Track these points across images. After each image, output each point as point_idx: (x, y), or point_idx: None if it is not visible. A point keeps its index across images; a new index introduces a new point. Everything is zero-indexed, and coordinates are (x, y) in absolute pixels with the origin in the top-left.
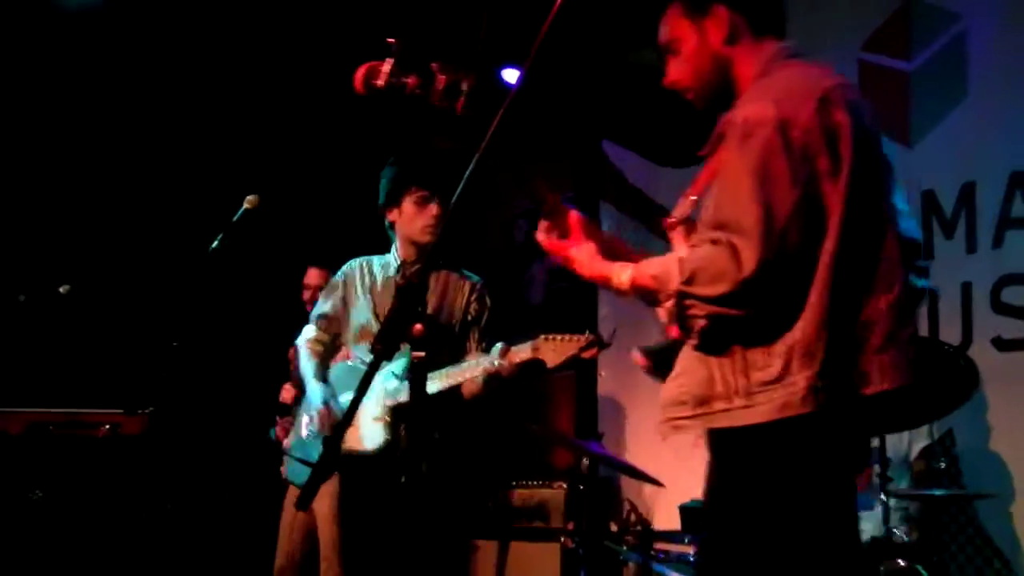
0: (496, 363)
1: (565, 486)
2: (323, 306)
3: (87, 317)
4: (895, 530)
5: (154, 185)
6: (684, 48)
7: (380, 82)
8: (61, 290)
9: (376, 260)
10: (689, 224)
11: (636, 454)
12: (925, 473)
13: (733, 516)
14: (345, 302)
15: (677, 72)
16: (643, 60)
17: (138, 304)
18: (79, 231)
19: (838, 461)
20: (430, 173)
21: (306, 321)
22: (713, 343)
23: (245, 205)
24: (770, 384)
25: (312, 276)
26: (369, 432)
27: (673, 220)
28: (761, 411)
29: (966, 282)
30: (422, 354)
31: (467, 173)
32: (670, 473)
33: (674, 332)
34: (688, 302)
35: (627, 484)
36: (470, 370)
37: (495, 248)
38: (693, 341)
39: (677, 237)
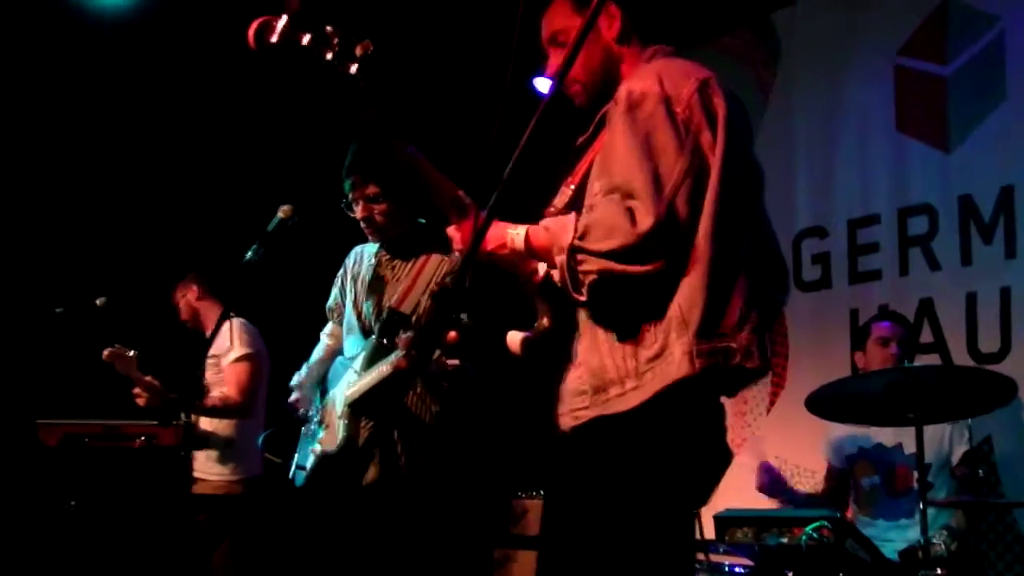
0: (396, 358)
1: None
2: (329, 298)
3: (123, 329)
4: (933, 539)
5: (190, 197)
6: (574, 39)
7: (274, 38)
8: (98, 302)
9: (368, 248)
10: (567, 213)
11: None
12: (969, 479)
13: (604, 503)
14: (343, 292)
15: (563, 62)
16: None
17: (173, 316)
18: (116, 244)
19: (707, 450)
20: (357, 160)
21: None
22: (601, 316)
23: (279, 215)
24: (655, 360)
25: None
26: (334, 431)
27: (553, 209)
28: (648, 388)
29: (1005, 287)
30: (456, 362)
31: (501, 181)
32: None
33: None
34: (580, 256)
35: None
36: (379, 371)
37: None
38: (582, 298)
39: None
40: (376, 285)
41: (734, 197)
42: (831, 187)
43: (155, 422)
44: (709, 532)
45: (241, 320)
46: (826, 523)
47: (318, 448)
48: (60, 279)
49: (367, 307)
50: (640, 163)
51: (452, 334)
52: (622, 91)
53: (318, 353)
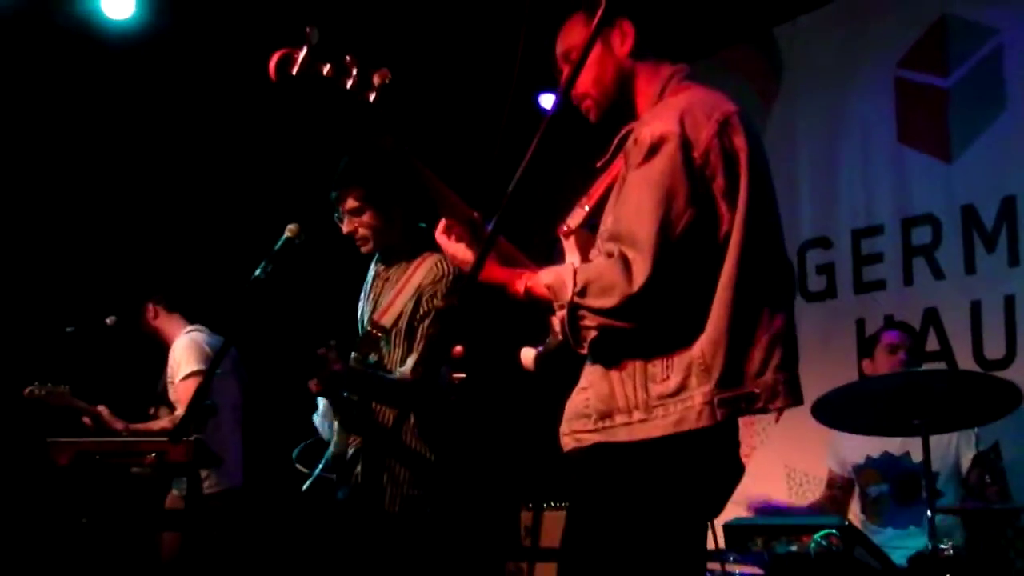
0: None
1: None
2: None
3: (133, 347)
4: (942, 544)
5: (196, 216)
6: (587, 55)
7: (294, 70)
8: (108, 321)
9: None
10: (581, 233)
11: None
12: (980, 484)
13: (611, 531)
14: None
15: (580, 83)
16: None
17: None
18: (125, 264)
19: (721, 475)
20: (338, 174)
21: None
22: (610, 355)
23: (286, 233)
24: (668, 397)
25: None
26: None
27: (567, 229)
28: (658, 425)
29: (1009, 295)
30: (463, 375)
31: (507, 195)
32: None
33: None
34: (580, 312)
35: None
36: None
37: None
38: (584, 351)
39: (569, 245)
40: (373, 296)
41: (757, 238)
42: (835, 198)
43: (165, 438)
44: (720, 541)
45: (193, 335)
46: (835, 531)
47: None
48: (71, 299)
49: (364, 320)
50: (650, 211)
51: (458, 348)
52: (643, 131)
53: None
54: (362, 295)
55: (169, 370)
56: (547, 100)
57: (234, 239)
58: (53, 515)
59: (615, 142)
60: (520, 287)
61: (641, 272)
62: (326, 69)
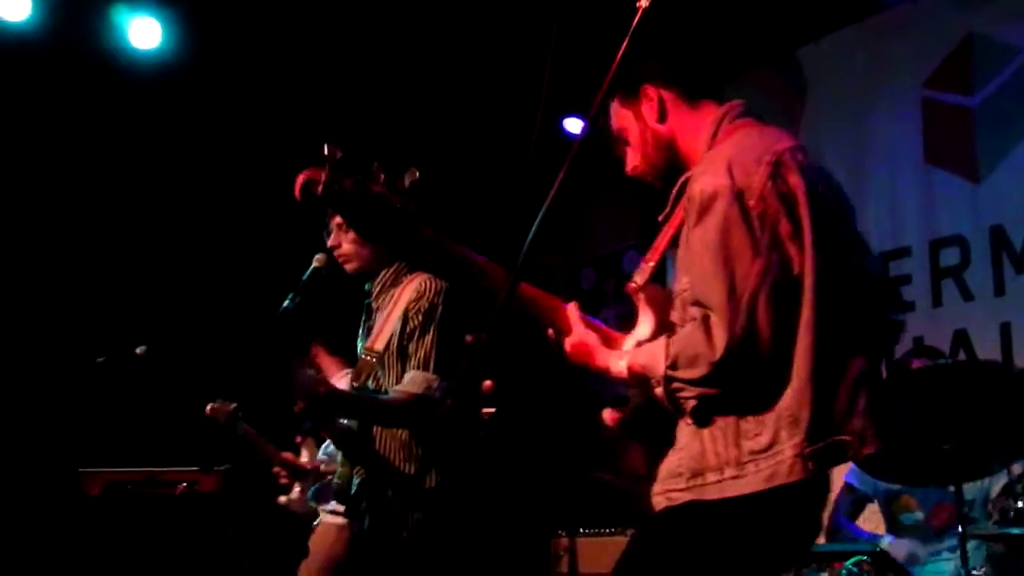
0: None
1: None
2: None
3: (163, 377)
4: (974, 572)
5: (226, 246)
6: (630, 136)
7: (318, 190)
8: (138, 351)
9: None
10: (650, 289)
11: None
12: (1007, 512)
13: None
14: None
15: (632, 160)
16: None
17: (213, 364)
18: (155, 293)
19: (807, 530)
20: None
21: None
22: (703, 415)
23: (314, 264)
24: (760, 453)
25: None
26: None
27: (634, 285)
28: (750, 481)
29: None
30: (492, 410)
31: (535, 224)
32: None
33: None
34: (676, 385)
35: None
36: None
37: (561, 296)
38: (688, 420)
39: (642, 304)
40: (367, 327)
41: (831, 276)
42: (862, 220)
43: (196, 468)
44: None
45: None
46: (866, 558)
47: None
48: (101, 330)
49: (360, 347)
50: (715, 272)
51: (487, 383)
52: (695, 188)
53: None
54: (360, 331)
55: None
56: (573, 125)
57: (260, 268)
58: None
59: (673, 193)
60: (623, 368)
61: (721, 337)
62: (351, 182)
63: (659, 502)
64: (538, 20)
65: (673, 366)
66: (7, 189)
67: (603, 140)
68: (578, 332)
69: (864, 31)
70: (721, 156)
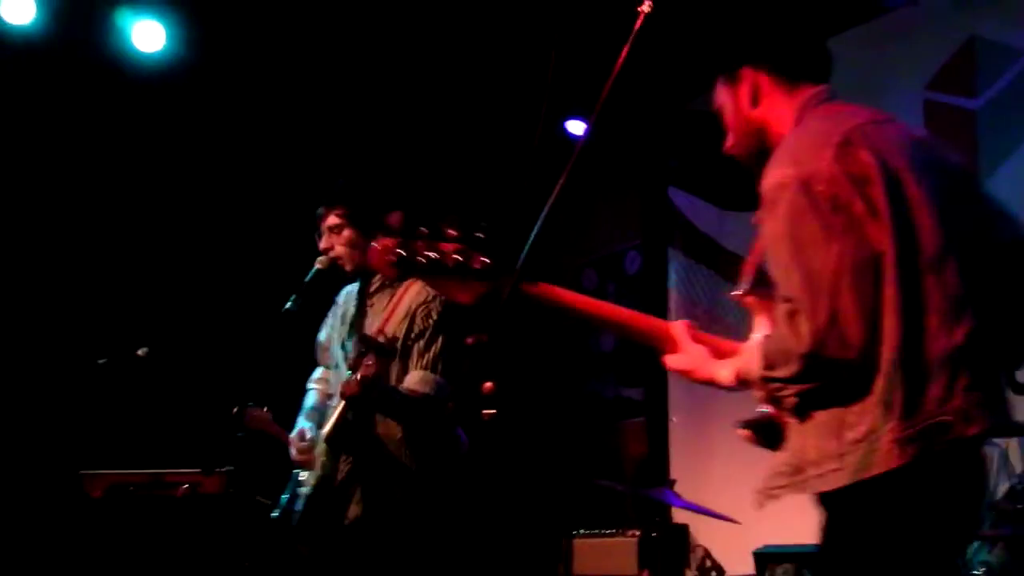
0: (342, 385)
1: (638, 534)
2: (320, 333)
3: (165, 379)
4: (974, 572)
5: (229, 247)
6: (726, 116)
7: (391, 259)
8: (139, 353)
9: (357, 285)
10: (757, 293)
11: (708, 499)
12: (1009, 514)
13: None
14: (332, 329)
15: (728, 139)
16: (706, 106)
17: (214, 365)
18: (157, 295)
19: (940, 514)
20: (335, 194)
21: None
22: (808, 411)
23: (317, 266)
24: (858, 443)
25: None
26: (315, 470)
27: (739, 294)
28: (849, 472)
29: None
30: (493, 412)
31: (537, 225)
32: (742, 518)
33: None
34: (773, 386)
35: (700, 530)
36: (337, 408)
37: None
38: (792, 418)
39: (753, 308)
40: (359, 319)
41: (915, 248)
42: None
43: (198, 470)
44: (749, 568)
45: None
46: None
47: (303, 490)
48: (102, 331)
49: (348, 343)
50: (790, 264)
51: (488, 385)
52: (765, 183)
53: (312, 402)
54: (331, 323)
55: None
56: (575, 127)
57: (262, 270)
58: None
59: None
60: (729, 376)
61: (806, 329)
62: (423, 244)
63: (760, 500)
64: (541, 22)
65: (768, 366)
66: (11, 191)
67: (605, 142)
68: (684, 348)
69: (867, 33)
70: (787, 146)
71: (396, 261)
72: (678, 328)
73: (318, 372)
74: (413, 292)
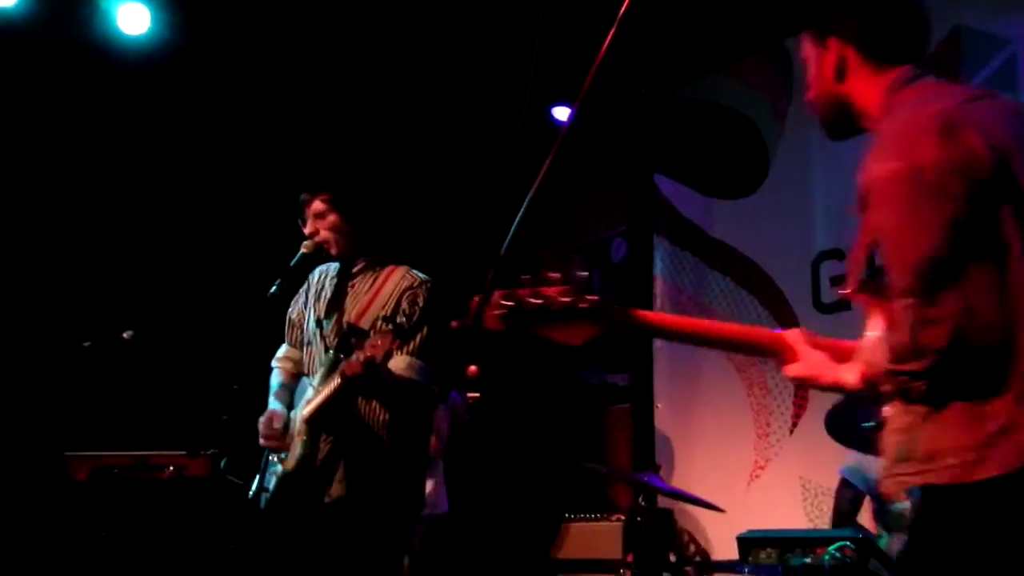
0: (343, 365)
1: (623, 518)
2: (292, 310)
3: (150, 362)
4: None
5: (213, 231)
6: (809, 73)
7: (500, 311)
8: (125, 336)
9: (334, 265)
10: (867, 288)
11: (693, 485)
12: None
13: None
14: (305, 307)
15: (809, 92)
16: (692, 94)
17: (200, 348)
18: (142, 278)
19: None
20: (317, 178)
21: None
22: (941, 400)
23: (302, 250)
24: (998, 435)
25: None
26: (293, 449)
27: (846, 293)
28: (992, 465)
29: None
30: (477, 395)
31: (520, 211)
32: (727, 504)
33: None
34: (900, 379)
35: (684, 515)
36: (333, 383)
37: None
38: (921, 409)
39: (864, 305)
40: (338, 300)
41: None
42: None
43: (183, 452)
44: (733, 552)
45: None
46: (849, 543)
47: (279, 469)
48: (87, 314)
49: (327, 323)
50: (901, 257)
51: (472, 368)
52: (872, 176)
53: (279, 380)
54: (310, 296)
55: None
56: (561, 113)
57: (247, 254)
58: (72, 529)
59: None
60: (854, 379)
61: (921, 328)
62: (528, 292)
63: (889, 486)
64: (525, 8)
65: (895, 361)
66: None
67: (590, 128)
68: (803, 356)
69: None
70: (887, 136)
71: (505, 314)
72: (794, 336)
73: (282, 350)
74: (396, 276)
